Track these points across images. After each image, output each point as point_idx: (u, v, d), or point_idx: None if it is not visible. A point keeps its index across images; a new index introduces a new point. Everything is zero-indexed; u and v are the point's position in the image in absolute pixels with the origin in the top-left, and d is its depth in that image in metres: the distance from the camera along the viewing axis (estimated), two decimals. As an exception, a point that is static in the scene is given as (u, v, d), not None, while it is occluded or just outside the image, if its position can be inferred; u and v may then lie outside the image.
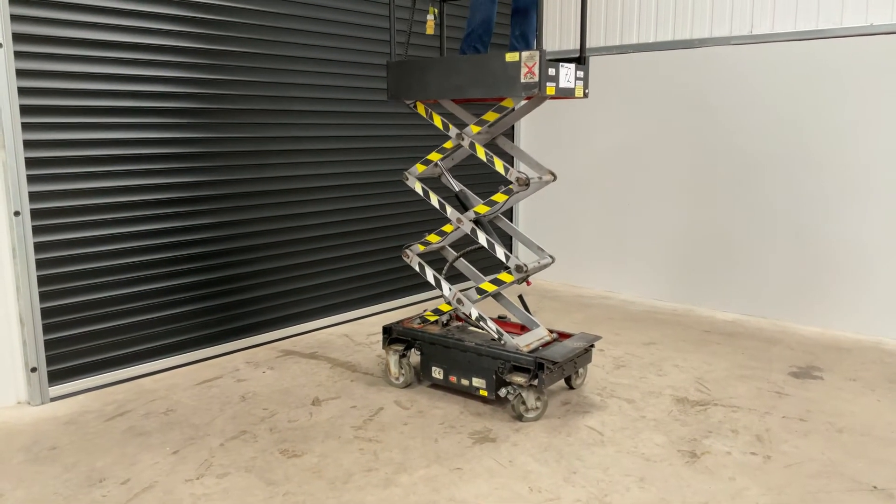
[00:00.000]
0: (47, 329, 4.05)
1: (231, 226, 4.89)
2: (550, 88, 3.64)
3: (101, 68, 4.14)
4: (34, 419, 3.84)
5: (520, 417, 3.83)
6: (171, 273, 4.59)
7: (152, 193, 4.45)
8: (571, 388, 4.27)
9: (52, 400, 4.07)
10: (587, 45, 4.06)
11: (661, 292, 6.37)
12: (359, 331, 5.48)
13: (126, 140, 4.29)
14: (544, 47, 3.60)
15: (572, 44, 6.70)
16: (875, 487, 3.14)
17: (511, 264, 3.90)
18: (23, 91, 3.83)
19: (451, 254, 4.39)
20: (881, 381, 4.41)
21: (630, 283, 6.58)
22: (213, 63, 4.65)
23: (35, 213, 3.94)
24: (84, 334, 4.22)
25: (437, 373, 4.16)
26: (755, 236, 5.77)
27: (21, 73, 3.81)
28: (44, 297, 4.02)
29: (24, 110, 3.84)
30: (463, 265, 4.44)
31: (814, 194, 5.44)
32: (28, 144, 3.88)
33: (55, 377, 4.11)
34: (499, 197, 3.90)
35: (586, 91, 3.92)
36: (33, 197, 3.93)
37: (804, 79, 5.38)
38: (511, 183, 3.82)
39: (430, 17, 4.21)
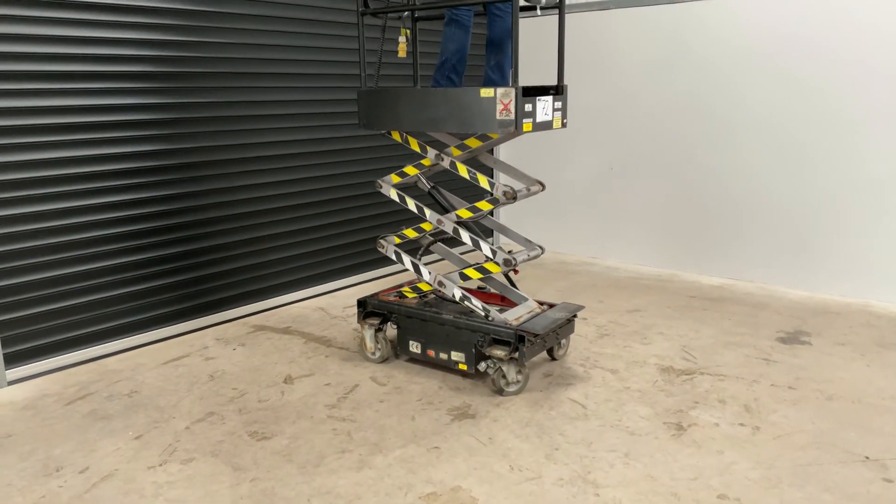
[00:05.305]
0: (2, 309, 3.83)
1: (199, 196, 4.64)
2: (527, 125, 3.43)
3: (59, 30, 3.85)
4: (-11, 405, 3.66)
5: (500, 392, 3.69)
6: (136, 247, 4.36)
7: (113, 163, 4.19)
8: (554, 359, 4.13)
9: (10, 384, 3.88)
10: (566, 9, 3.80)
11: (646, 257, 6.23)
12: (335, 304, 5.30)
13: (82, 107, 4.01)
14: (519, 83, 3.36)
15: None
16: (867, 458, 3.03)
17: (499, 259, 3.72)
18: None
19: (428, 238, 4.22)
20: (870, 345, 4.30)
21: (614, 248, 6.43)
22: (179, 24, 4.37)
23: (-19, 187, 3.71)
24: (42, 314, 4.01)
25: (414, 347, 4.00)
26: (740, 199, 5.61)
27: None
28: (-5, 275, 3.81)
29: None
30: (443, 250, 4.27)
31: (799, 155, 5.27)
32: (-30, 113, 3.62)
33: (12, 360, 3.90)
34: (483, 205, 3.73)
35: (564, 121, 3.75)
36: (-22, 169, 3.69)
37: (792, 36, 5.17)
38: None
39: (401, 39, 3.96)
